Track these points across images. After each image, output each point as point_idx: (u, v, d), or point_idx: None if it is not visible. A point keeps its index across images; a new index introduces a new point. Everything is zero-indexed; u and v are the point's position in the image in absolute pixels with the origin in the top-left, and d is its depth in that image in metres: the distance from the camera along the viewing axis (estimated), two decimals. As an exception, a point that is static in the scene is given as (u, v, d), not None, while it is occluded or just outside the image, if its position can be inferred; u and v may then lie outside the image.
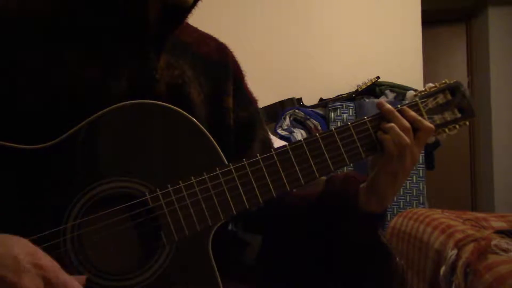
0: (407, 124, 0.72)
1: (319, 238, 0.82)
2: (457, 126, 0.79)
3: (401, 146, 0.71)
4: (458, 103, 0.79)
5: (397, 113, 0.73)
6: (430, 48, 3.49)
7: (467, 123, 0.79)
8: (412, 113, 0.73)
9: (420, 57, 2.83)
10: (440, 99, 0.78)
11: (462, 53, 4.09)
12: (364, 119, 0.74)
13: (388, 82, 2.69)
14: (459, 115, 0.79)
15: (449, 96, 0.79)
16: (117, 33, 0.72)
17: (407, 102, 0.78)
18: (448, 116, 0.78)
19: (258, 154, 0.69)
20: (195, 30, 0.87)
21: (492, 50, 3.71)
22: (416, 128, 0.72)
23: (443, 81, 0.80)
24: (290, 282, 0.86)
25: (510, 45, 3.69)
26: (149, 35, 0.73)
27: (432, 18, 3.64)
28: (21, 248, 0.52)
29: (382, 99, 2.63)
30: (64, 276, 0.54)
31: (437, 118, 0.78)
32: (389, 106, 0.73)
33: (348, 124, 0.73)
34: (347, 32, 2.87)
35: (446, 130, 0.79)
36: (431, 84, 0.80)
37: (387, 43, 2.84)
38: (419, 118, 0.73)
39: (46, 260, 0.53)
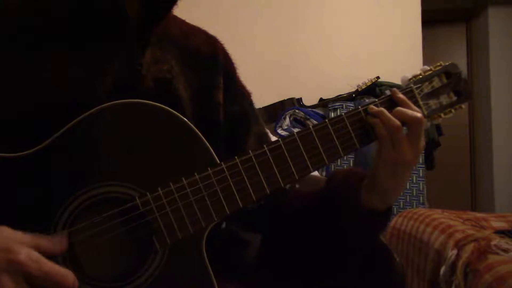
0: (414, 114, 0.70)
1: (320, 237, 0.80)
2: (453, 110, 0.77)
3: (393, 128, 0.69)
4: (454, 86, 0.76)
5: (408, 102, 0.71)
6: (430, 48, 3.48)
7: (463, 106, 0.77)
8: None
9: (420, 57, 2.83)
10: (436, 83, 0.76)
11: (462, 53, 4.09)
12: (358, 108, 0.72)
13: (388, 82, 2.69)
14: (455, 98, 0.76)
15: (444, 79, 0.76)
16: (99, 30, 0.70)
17: (401, 87, 0.75)
18: (444, 100, 0.76)
19: (250, 151, 0.66)
20: (183, 22, 0.83)
21: (492, 50, 3.71)
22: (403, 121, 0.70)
23: (438, 64, 0.77)
24: (291, 281, 0.84)
25: (510, 45, 3.69)
26: (131, 30, 0.71)
27: (432, 18, 3.63)
28: None
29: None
30: (46, 266, 0.52)
31: (433, 103, 0.75)
32: (401, 95, 0.72)
33: (342, 115, 0.71)
34: (347, 32, 2.87)
35: (442, 114, 0.76)
36: (426, 67, 0.77)
37: (387, 43, 2.84)
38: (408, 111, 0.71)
39: (23, 254, 0.51)
